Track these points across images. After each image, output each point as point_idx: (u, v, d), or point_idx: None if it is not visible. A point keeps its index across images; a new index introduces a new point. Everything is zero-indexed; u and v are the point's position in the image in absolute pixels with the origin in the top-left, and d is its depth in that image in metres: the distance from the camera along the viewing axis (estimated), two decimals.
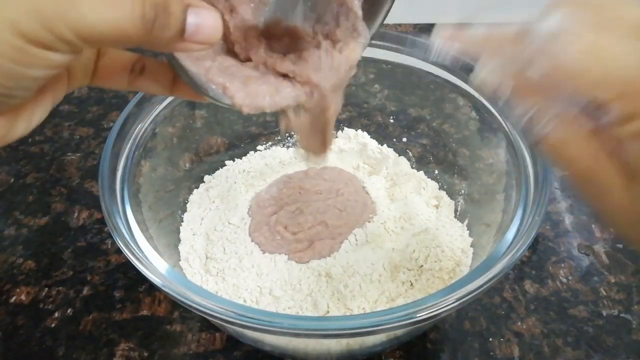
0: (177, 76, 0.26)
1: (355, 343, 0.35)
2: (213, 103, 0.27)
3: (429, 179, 0.51)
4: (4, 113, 0.22)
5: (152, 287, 0.44)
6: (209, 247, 0.44)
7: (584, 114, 0.19)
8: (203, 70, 0.26)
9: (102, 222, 0.50)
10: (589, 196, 0.21)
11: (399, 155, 0.53)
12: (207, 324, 0.42)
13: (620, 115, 0.18)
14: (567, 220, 0.50)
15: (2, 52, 0.18)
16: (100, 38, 0.20)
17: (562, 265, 0.46)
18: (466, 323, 0.42)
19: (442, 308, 0.28)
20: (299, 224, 0.45)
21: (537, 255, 0.47)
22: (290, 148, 0.56)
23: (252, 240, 0.45)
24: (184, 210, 0.48)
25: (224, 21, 0.26)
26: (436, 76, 0.46)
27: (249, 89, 0.26)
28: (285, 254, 0.43)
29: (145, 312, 0.42)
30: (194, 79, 0.26)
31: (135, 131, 0.40)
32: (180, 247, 0.44)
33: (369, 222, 0.46)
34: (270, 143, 0.55)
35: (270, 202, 0.48)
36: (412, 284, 0.41)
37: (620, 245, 0.48)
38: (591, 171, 0.20)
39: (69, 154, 0.58)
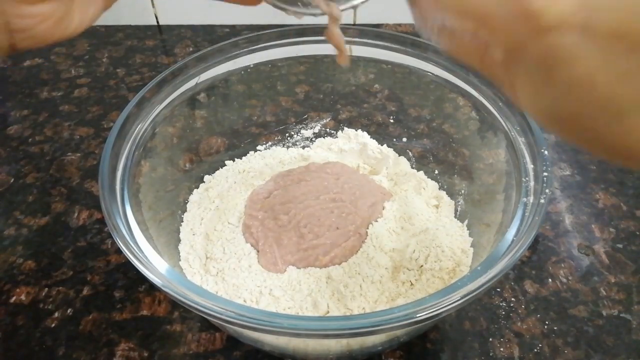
0: None
1: (355, 343, 0.35)
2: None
3: (429, 179, 0.51)
4: None
5: (152, 287, 0.44)
6: (208, 247, 0.44)
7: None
8: None
9: (102, 222, 0.50)
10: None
11: (399, 155, 0.53)
12: (207, 324, 0.42)
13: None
14: (567, 220, 0.50)
15: None
16: None
17: (562, 265, 0.46)
18: (466, 323, 0.42)
19: (442, 308, 0.28)
20: (292, 225, 0.44)
21: (537, 255, 0.47)
22: (291, 148, 0.56)
23: (247, 242, 0.45)
24: (184, 210, 0.48)
25: None
26: (436, 76, 0.46)
27: None
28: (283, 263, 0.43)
29: (145, 312, 0.42)
30: None
31: (135, 131, 0.40)
32: (180, 247, 0.44)
33: (376, 221, 0.46)
34: (270, 143, 0.55)
35: (262, 196, 0.47)
36: (412, 284, 0.41)
37: (620, 245, 0.48)
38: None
39: (69, 154, 0.58)
